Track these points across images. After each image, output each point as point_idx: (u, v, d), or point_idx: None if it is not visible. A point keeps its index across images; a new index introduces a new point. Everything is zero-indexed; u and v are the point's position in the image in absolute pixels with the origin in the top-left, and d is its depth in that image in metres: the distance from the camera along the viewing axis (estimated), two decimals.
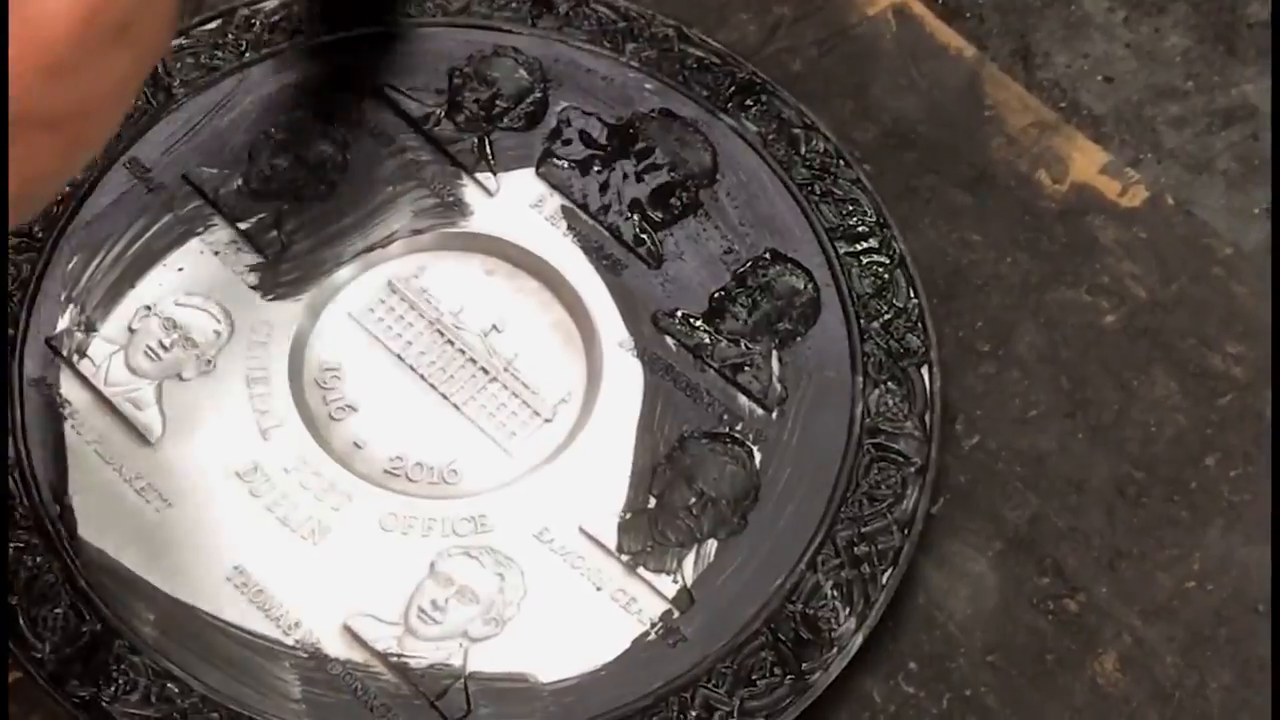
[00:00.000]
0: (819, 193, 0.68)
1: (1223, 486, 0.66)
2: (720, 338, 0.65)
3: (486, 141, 0.68)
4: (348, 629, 0.59)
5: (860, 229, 0.68)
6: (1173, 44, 0.79)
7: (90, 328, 0.63)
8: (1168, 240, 0.70)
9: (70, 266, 0.64)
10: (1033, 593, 0.63)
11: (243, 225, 0.66)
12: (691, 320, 0.65)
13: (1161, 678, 0.62)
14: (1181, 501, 0.65)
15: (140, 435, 0.61)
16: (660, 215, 0.68)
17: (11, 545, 0.59)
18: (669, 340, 0.65)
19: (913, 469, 0.63)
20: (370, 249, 0.66)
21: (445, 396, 0.64)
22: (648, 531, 0.61)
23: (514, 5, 0.72)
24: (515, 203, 0.67)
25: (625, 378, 0.64)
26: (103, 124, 0.39)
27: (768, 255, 0.67)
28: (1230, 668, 0.62)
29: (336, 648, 0.59)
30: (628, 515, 0.61)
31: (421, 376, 0.64)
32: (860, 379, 0.64)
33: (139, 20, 0.36)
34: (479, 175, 0.68)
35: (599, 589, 0.60)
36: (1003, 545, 0.64)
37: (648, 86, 0.71)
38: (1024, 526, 0.64)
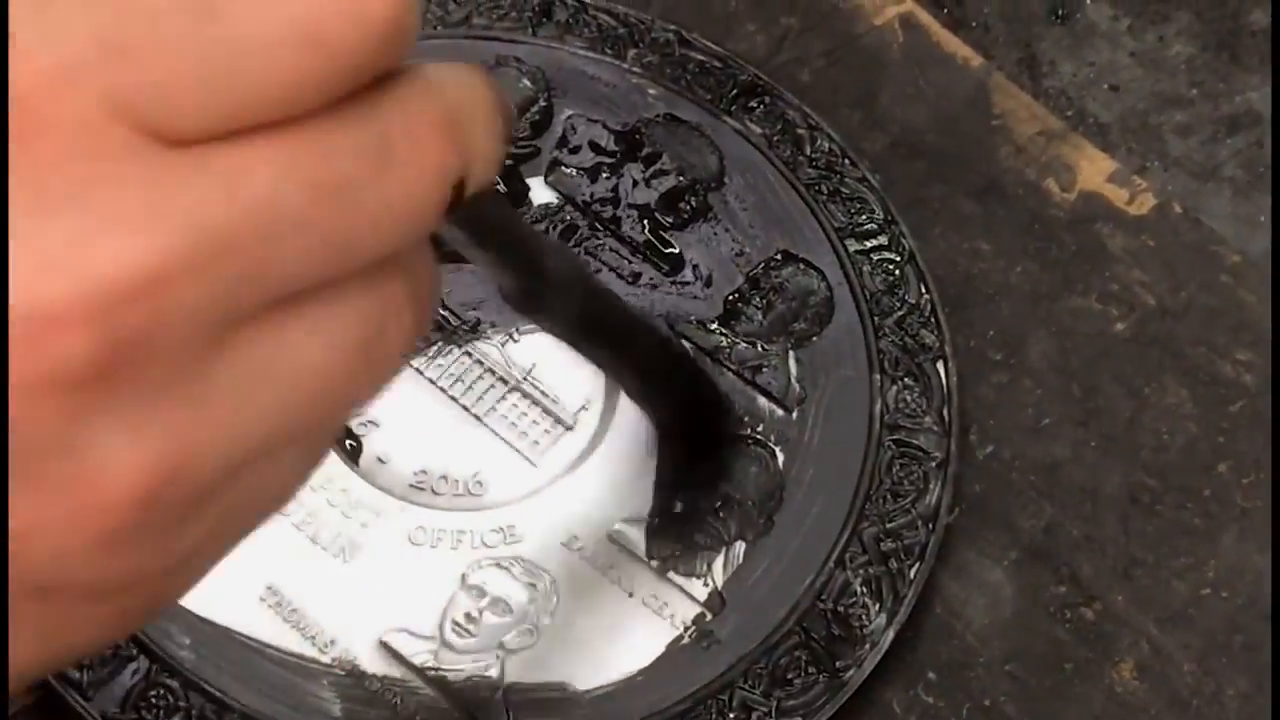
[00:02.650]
0: (826, 192, 0.68)
1: (1235, 494, 0.65)
2: (737, 340, 0.65)
3: None
4: (383, 645, 0.58)
5: (869, 227, 0.68)
6: (1177, 52, 0.79)
7: None
8: (1176, 248, 0.71)
9: None
10: (1049, 601, 0.63)
11: None
12: (707, 324, 0.65)
13: (1179, 685, 0.62)
14: (1195, 509, 0.65)
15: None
16: (670, 220, 0.67)
17: None
18: (686, 344, 0.65)
19: (934, 464, 0.63)
20: None
21: (466, 408, 0.63)
22: (676, 536, 0.61)
23: (514, 15, 0.72)
24: (527, 212, 0.67)
25: None
26: (161, 597, 0.29)
27: (779, 256, 0.67)
28: (1247, 675, 0.62)
29: (373, 664, 0.58)
30: (655, 520, 0.61)
31: (441, 389, 0.64)
32: (878, 376, 0.64)
33: (232, 488, 0.28)
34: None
35: (631, 594, 0.60)
36: (1019, 554, 0.64)
37: (651, 92, 0.70)
38: (1039, 535, 0.64)
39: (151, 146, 0.25)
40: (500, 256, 0.41)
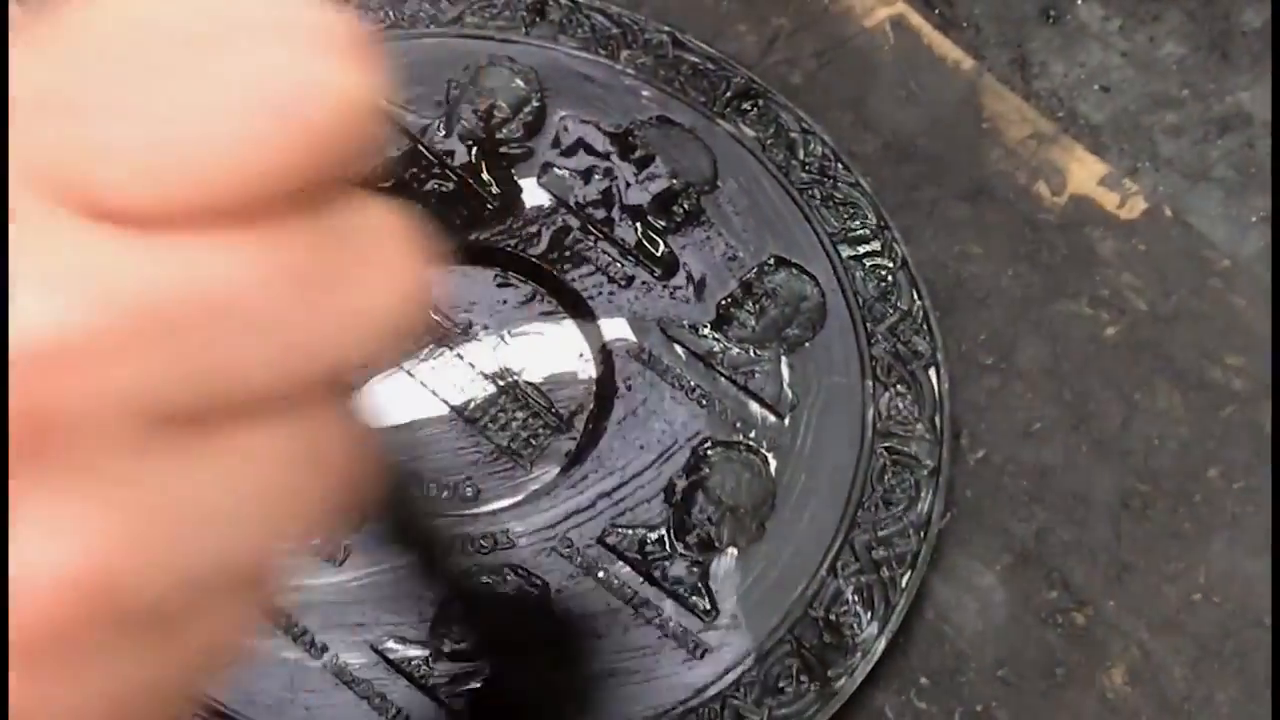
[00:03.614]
0: (819, 197, 0.68)
1: (1226, 499, 0.66)
2: (729, 345, 0.65)
3: (486, 152, 0.68)
4: (375, 650, 0.58)
5: (862, 232, 0.68)
6: (1168, 52, 0.79)
7: None
8: (1166, 252, 0.71)
9: None
10: (1041, 606, 0.63)
11: None
12: (700, 328, 0.65)
13: (1170, 691, 0.62)
14: (1186, 514, 0.65)
15: None
16: (663, 223, 0.67)
17: None
18: (678, 348, 0.65)
19: (925, 471, 0.63)
20: None
21: (459, 412, 0.63)
22: (668, 542, 0.61)
23: (507, 14, 0.71)
24: (519, 213, 0.67)
25: (637, 388, 0.64)
26: None
27: (772, 261, 0.67)
28: (1238, 680, 0.62)
29: (365, 669, 0.58)
30: (646, 526, 0.61)
31: (433, 392, 0.63)
32: (870, 383, 0.64)
33: (182, 614, 0.24)
34: (481, 187, 0.67)
35: (623, 601, 0.60)
36: (1010, 559, 0.64)
37: (644, 93, 0.70)
38: (1031, 540, 0.64)
39: (101, 222, 0.23)
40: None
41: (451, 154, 0.67)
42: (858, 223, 0.68)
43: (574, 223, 0.67)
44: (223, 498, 0.24)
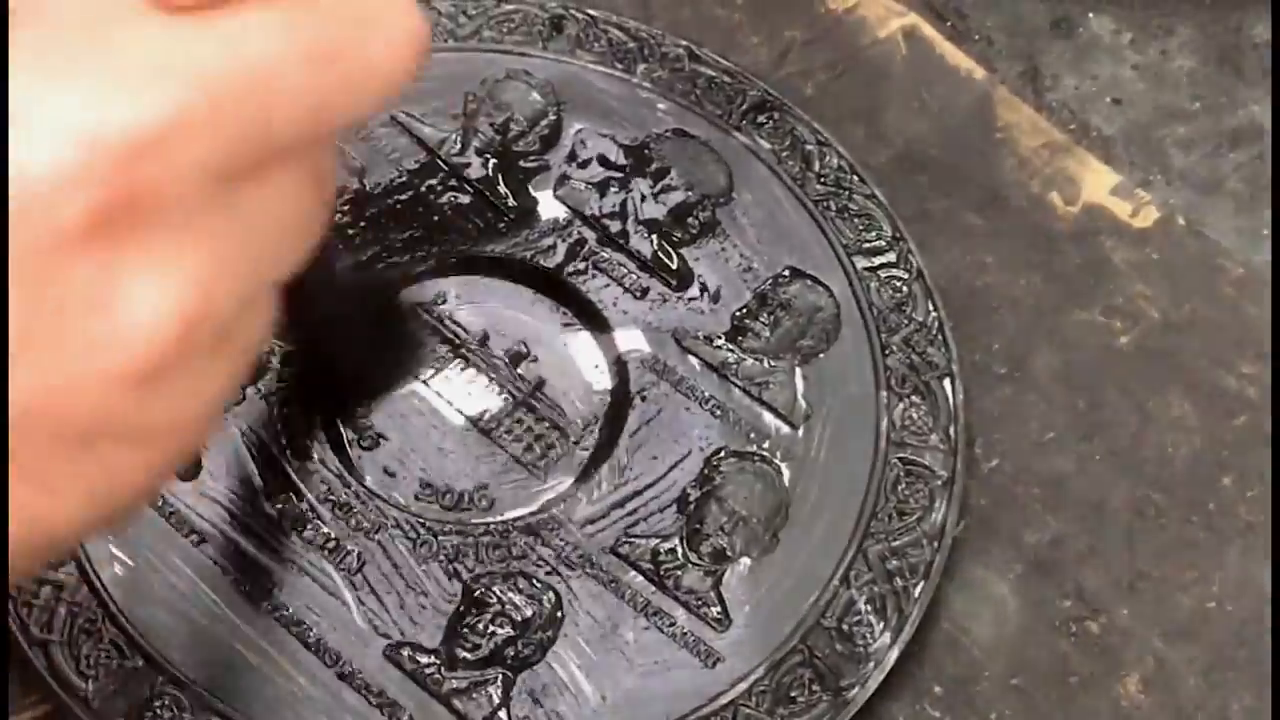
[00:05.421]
0: (835, 209, 0.69)
1: (1240, 507, 0.66)
2: (744, 356, 0.65)
3: (503, 165, 0.68)
4: (389, 659, 0.58)
5: (877, 244, 0.68)
6: (1179, 65, 0.79)
7: None
8: (1179, 261, 0.71)
9: None
10: (1055, 615, 0.63)
11: None
12: (714, 339, 0.65)
13: (1184, 699, 0.62)
14: (1200, 522, 0.65)
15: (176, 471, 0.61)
16: (679, 235, 0.68)
17: (50, 582, 0.58)
18: (693, 360, 0.65)
19: (939, 482, 0.63)
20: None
21: (474, 422, 0.64)
22: (681, 552, 0.61)
23: (524, 28, 0.72)
24: (535, 225, 0.67)
25: (651, 398, 0.64)
26: (190, 439, 0.31)
27: (787, 273, 0.67)
28: (1252, 688, 0.62)
29: (378, 678, 0.58)
30: (660, 536, 0.61)
31: (449, 402, 0.64)
32: (884, 394, 0.64)
33: (238, 329, 0.30)
34: (497, 199, 0.67)
35: (636, 610, 0.60)
36: (1024, 568, 0.64)
37: (660, 106, 0.71)
38: (1045, 549, 0.65)
39: (152, 12, 0.28)
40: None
41: (468, 166, 0.68)
42: (873, 234, 0.68)
43: (590, 235, 0.67)
44: (271, 226, 0.30)
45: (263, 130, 0.29)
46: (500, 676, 0.58)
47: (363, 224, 0.66)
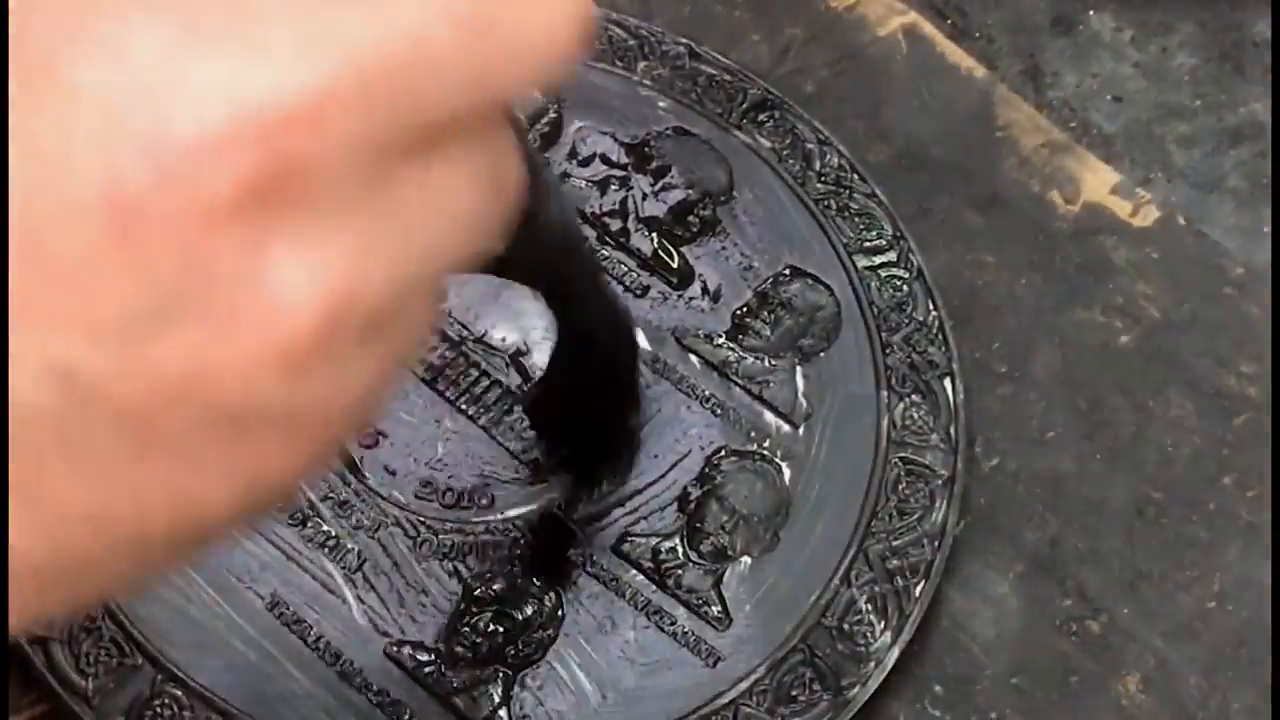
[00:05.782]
0: (835, 208, 0.69)
1: (1240, 507, 0.66)
2: (744, 355, 0.65)
3: None
4: (388, 657, 0.59)
5: (878, 243, 0.68)
6: (1180, 63, 0.79)
7: None
8: (1180, 260, 0.71)
9: None
10: (1055, 614, 0.63)
11: None
12: (714, 338, 0.66)
13: (1185, 699, 0.62)
14: (1200, 522, 0.65)
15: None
16: (679, 233, 0.68)
17: None
18: (693, 358, 0.65)
19: (940, 481, 0.63)
20: None
21: (474, 420, 0.64)
22: (681, 551, 0.61)
23: None
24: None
25: (652, 397, 0.64)
26: (339, 431, 0.30)
27: (787, 271, 0.67)
28: (1253, 688, 0.62)
29: (378, 676, 0.58)
30: (660, 535, 0.61)
31: (449, 401, 0.64)
32: (885, 393, 0.65)
33: (392, 321, 0.29)
34: None
35: (636, 609, 0.60)
36: (1025, 567, 0.64)
37: (661, 104, 0.71)
38: (1045, 548, 0.65)
39: None
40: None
41: None
42: (873, 233, 0.68)
43: (590, 233, 0.67)
44: (433, 217, 0.29)
45: (416, 104, 0.27)
46: (500, 675, 0.59)
47: None
